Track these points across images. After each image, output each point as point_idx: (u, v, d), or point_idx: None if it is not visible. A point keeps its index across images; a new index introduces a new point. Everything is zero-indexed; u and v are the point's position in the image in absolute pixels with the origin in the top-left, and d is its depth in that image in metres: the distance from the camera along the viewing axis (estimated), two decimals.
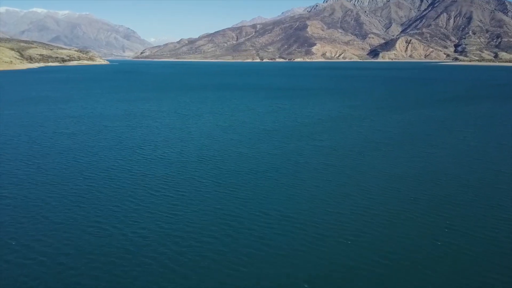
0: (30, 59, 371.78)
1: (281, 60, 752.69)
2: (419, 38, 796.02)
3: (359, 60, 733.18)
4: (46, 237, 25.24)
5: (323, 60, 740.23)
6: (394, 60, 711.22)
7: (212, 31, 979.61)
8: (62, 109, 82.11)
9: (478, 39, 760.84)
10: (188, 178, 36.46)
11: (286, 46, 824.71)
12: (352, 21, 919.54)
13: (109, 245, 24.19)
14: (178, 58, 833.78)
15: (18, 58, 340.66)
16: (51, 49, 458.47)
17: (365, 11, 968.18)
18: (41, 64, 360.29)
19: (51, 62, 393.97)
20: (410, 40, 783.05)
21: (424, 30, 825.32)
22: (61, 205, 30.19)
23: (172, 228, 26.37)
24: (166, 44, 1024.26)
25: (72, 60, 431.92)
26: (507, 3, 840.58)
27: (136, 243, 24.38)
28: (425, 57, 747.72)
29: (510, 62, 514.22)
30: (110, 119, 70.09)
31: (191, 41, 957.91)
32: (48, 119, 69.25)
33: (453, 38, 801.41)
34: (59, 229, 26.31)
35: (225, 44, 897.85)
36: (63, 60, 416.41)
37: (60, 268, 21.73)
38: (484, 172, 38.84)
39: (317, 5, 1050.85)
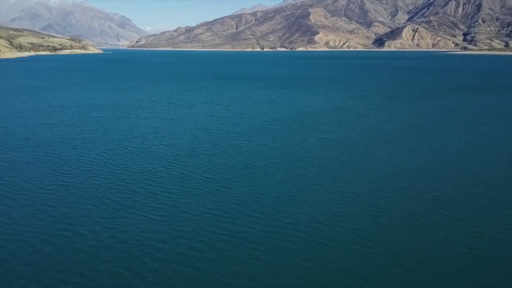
0: (20, 47, 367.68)
1: (283, 49, 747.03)
2: (427, 26, 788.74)
3: (364, 50, 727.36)
4: (6, 242, 22.40)
5: (326, 49, 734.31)
6: (400, 50, 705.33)
7: (211, 19, 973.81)
8: (47, 98, 79.06)
9: (488, 28, 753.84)
10: (177, 174, 33.59)
11: (287, 35, 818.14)
12: (357, 9, 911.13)
13: (78, 252, 21.37)
14: (175, 47, 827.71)
15: (7, 47, 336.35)
16: (42, 38, 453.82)
17: None
18: (32, 53, 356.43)
19: (42, 50, 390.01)
20: (417, 28, 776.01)
21: (431, 18, 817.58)
22: (30, 205, 27.37)
23: (155, 232, 23.54)
24: (163, 33, 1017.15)
25: (64, 49, 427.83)
26: None
27: (111, 250, 21.57)
28: (432, 46, 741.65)
29: None
30: (97, 109, 67.09)
31: (189, 30, 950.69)
32: (29, 109, 66.27)
33: (462, 27, 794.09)
34: (23, 233, 23.48)
35: (224, 33, 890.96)
36: (55, 49, 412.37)
37: (20, 279, 18.92)
38: (509, 167, 35.91)
39: None
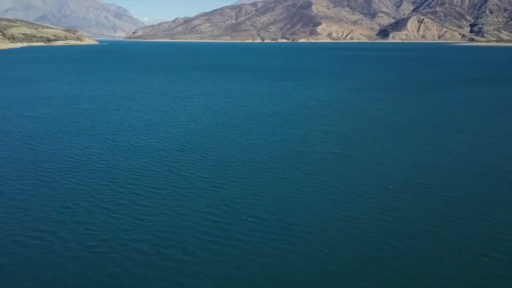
0: (13, 38, 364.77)
1: (284, 40, 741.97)
2: (432, 17, 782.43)
3: (368, 41, 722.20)
4: None
5: (329, 40, 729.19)
6: (405, 41, 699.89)
7: (210, 10, 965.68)
8: (34, 90, 76.60)
9: (496, 19, 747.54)
10: (166, 171, 31.24)
11: (289, 26, 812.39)
12: None
13: (54, 255, 19.06)
14: (173, 39, 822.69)
15: None
16: (35, 28, 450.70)
17: None
18: (25, 44, 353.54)
19: (36, 41, 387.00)
20: (423, 19, 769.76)
21: (437, 8, 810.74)
22: (6, 203, 25.18)
23: (139, 233, 21.23)
24: (160, 24, 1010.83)
25: (58, 40, 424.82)
26: None
27: (91, 254, 19.26)
28: (438, 38, 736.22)
29: None
30: (86, 101, 64.68)
31: (187, 21, 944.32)
32: (14, 100, 63.88)
33: (468, 18, 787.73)
34: None
35: (224, 24, 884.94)
36: (48, 40, 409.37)
37: None
38: None
39: None
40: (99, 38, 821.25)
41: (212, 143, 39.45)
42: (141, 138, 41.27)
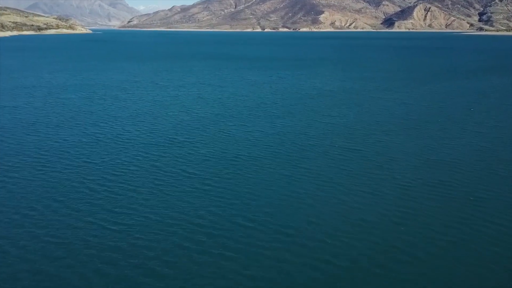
0: (2, 26, 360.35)
1: (285, 29, 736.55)
2: (439, 5, 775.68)
3: (372, 30, 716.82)
4: None
5: (332, 30, 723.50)
6: (411, 30, 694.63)
7: None
8: (14, 78, 73.59)
9: (505, 7, 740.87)
10: (149, 168, 28.41)
11: (290, 15, 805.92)
12: None
13: (10, 262, 16.30)
14: (169, 28, 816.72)
15: None
16: (26, 16, 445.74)
17: None
18: (14, 33, 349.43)
19: (26, 30, 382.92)
20: (429, 7, 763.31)
21: None
22: None
23: (113, 241, 18.40)
24: (157, 12, 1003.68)
25: (50, 29, 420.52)
26: None
27: (46, 271, 16.43)
28: (446, 27, 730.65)
29: None
30: (70, 90, 61.76)
31: (184, 9, 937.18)
32: None
33: (477, 6, 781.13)
34: None
35: (222, 12, 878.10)
36: (40, 29, 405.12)
37: None
38: None
39: None
40: (93, 27, 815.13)
41: (202, 135, 36.62)
42: (126, 130, 38.42)
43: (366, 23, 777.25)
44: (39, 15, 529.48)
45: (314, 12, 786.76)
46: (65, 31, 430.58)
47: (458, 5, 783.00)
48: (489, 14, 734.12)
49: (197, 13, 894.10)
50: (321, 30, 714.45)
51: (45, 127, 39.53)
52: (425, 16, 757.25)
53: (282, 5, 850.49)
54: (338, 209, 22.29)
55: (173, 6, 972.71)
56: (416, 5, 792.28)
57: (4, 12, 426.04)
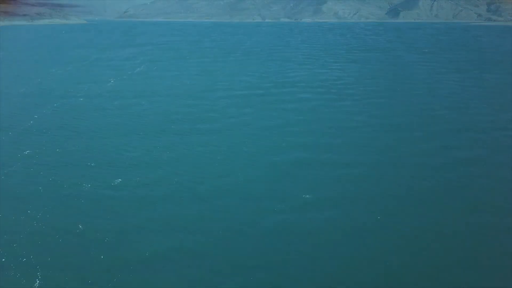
0: None
1: (286, 20, 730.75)
2: None
3: (377, 20, 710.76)
4: None
5: (335, 20, 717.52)
6: (417, 21, 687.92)
7: None
8: None
9: None
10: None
11: (292, 5, 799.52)
12: None
13: None
14: (167, 18, 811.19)
15: None
16: (17, 6, 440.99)
17: None
18: (5, 23, 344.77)
19: (17, 20, 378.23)
20: None
21: None
22: None
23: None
24: (154, 2, 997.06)
25: (43, 19, 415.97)
26: None
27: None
28: (453, 17, 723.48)
29: None
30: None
31: None
32: None
33: None
34: None
35: (222, 2, 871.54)
36: (31, 19, 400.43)
37: None
38: None
39: None
40: (88, 17, 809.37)
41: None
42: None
43: (370, 13, 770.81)
44: (31, 5, 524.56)
45: (316, 2, 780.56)
46: (58, 21, 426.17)
47: None
48: (498, 4, 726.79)
49: (195, 3, 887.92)
50: (324, 20, 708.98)
51: None
52: (432, 6, 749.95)
53: None
54: (343, 211, 18.56)
55: None
56: None
57: None
